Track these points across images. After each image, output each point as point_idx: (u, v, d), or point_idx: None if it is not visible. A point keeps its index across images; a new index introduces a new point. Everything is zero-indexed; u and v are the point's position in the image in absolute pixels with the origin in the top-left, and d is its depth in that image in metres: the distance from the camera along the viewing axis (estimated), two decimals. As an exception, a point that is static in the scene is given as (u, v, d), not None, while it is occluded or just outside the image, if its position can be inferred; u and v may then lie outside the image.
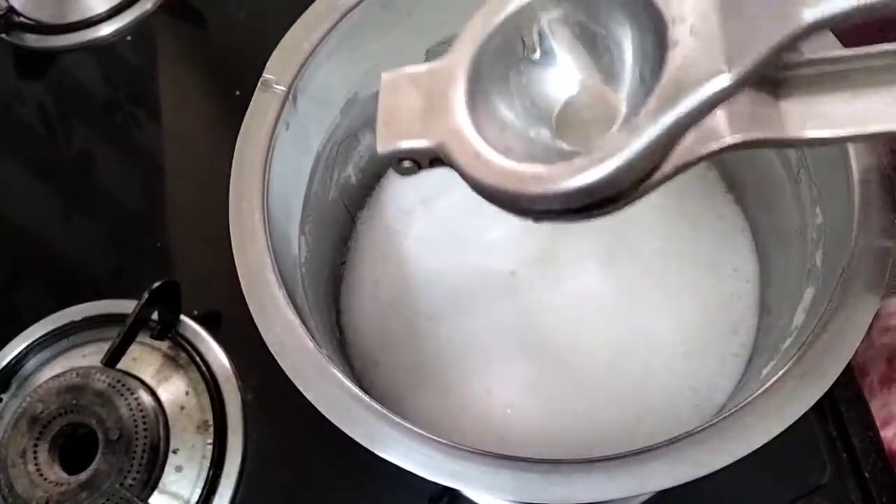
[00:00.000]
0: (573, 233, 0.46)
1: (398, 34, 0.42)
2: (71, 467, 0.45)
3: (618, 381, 0.43)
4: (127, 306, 0.50)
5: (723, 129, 0.23)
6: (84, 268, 0.58)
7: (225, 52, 0.64)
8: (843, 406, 0.44)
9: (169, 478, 0.47)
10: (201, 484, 0.47)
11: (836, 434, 0.44)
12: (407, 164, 0.26)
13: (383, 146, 0.25)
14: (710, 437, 0.30)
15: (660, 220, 0.47)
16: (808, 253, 0.38)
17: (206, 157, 0.57)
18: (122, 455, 0.45)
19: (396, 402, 0.44)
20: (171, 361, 0.51)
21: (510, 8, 0.25)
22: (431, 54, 0.45)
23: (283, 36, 0.39)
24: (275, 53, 0.39)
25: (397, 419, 0.31)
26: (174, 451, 0.48)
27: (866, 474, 0.43)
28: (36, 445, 0.45)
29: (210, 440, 0.48)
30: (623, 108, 0.24)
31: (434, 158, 0.25)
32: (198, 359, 0.50)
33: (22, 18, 0.66)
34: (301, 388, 0.32)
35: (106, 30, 0.65)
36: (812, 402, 0.30)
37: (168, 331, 0.51)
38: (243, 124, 0.38)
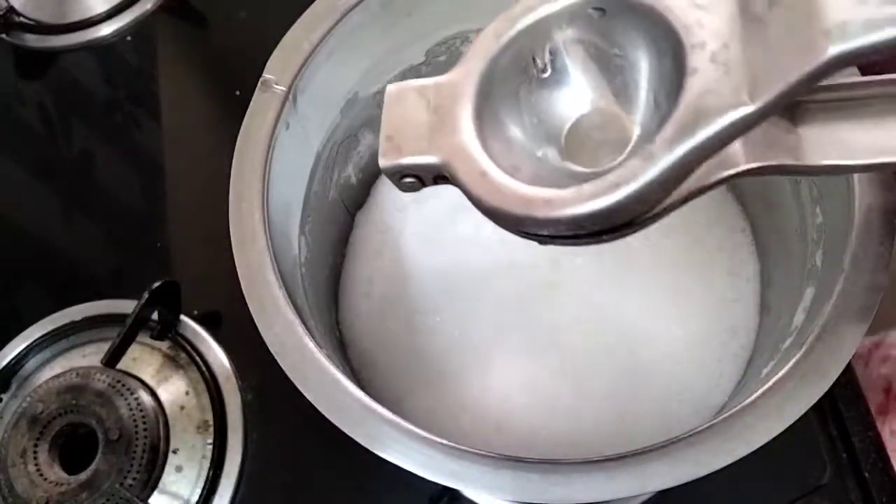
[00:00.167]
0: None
1: (398, 34, 0.42)
2: (71, 467, 0.45)
3: (617, 381, 0.43)
4: (127, 306, 0.50)
5: (738, 155, 0.23)
6: (84, 268, 0.58)
7: (225, 52, 0.64)
8: (843, 406, 0.44)
9: (169, 478, 0.47)
10: (201, 484, 0.47)
11: (836, 434, 0.44)
12: (409, 180, 0.25)
13: (386, 161, 0.24)
14: (710, 437, 0.30)
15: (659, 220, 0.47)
16: (808, 253, 0.38)
17: (206, 157, 0.57)
18: (122, 455, 0.45)
19: (395, 401, 0.44)
20: (171, 361, 0.51)
21: (523, 24, 0.24)
22: (431, 54, 0.45)
23: (283, 36, 0.39)
24: (275, 53, 0.39)
25: (397, 419, 0.31)
26: (174, 451, 0.48)
27: (866, 474, 0.43)
28: (36, 445, 0.45)
29: (210, 440, 0.48)
30: (635, 132, 0.24)
31: (438, 175, 0.24)
32: (198, 359, 0.50)
33: (22, 18, 0.66)
34: (301, 388, 0.32)
35: (106, 30, 0.65)
36: (812, 402, 0.30)
37: (168, 331, 0.51)
38: (243, 124, 0.38)
